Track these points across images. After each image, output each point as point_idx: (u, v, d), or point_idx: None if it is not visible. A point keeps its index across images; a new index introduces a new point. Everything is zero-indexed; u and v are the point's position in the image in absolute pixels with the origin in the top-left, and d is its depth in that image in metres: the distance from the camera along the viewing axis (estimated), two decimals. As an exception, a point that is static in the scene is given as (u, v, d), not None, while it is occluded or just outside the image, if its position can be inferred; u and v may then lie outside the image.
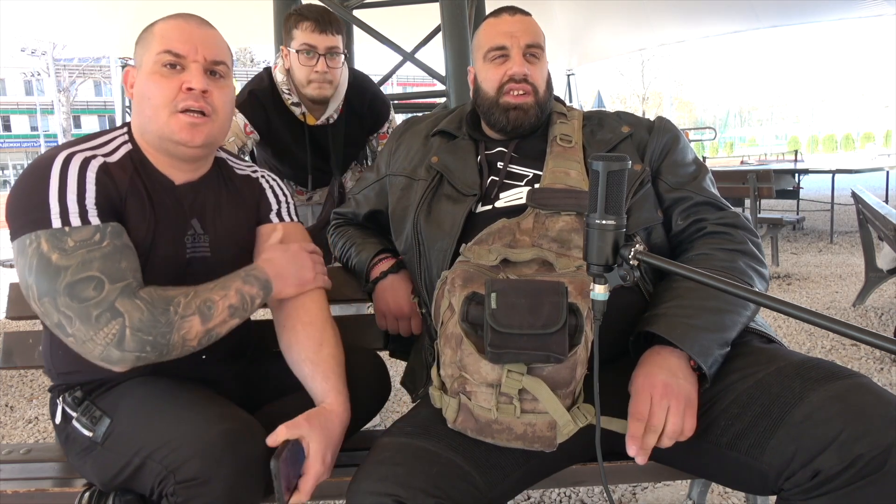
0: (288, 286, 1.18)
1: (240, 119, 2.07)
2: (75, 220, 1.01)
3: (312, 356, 1.16)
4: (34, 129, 39.97)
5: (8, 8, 7.01)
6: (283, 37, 2.08)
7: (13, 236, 1.02)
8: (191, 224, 1.17)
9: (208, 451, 0.94)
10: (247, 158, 1.99)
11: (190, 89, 1.09)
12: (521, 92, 1.30)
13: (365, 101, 2.28)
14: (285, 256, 1.19)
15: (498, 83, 1.31)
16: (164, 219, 1.13)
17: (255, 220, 1.29)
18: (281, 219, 1.31)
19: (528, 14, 1.36)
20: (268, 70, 2.18)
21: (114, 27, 7.85)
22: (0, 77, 40.69)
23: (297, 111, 2.14)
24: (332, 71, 2.03)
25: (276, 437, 1.02)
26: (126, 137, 1.16)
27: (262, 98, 2.11)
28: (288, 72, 2.08)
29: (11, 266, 4.22)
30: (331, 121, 2.20)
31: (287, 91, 2.11)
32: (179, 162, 1.16)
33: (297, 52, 2.00)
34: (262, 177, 1.32)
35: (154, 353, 1.01)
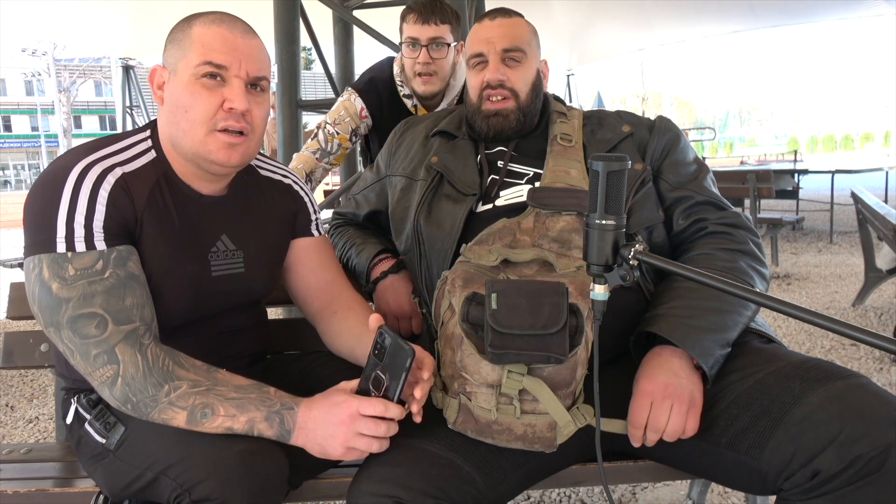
0: (307, 446, 0.98)
1: (357, 103, 2.16)
2: (80, 246, 0.97)
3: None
4: (35, 129, 40.04)
5: (8, 8, 7.01)
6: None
7: (24, 253, 1.01)
8: (220, 239, 1.13)
9: (224, 472, 0.91)
10: (356, 140, 2.22)
11: (231, 109, 1.02)
12: (499, 98, 1.30)
13: None
14: (330, 418, 0.96)
15: (479, 90, 1.32)
16: (187, 234, 1.08)
17: (290, 231, 1.26)
18: (319, 232, 1.29)
19: (512, 16, 1.34)
20: (391, 59, 2.23)
21: (114, 27, 7.86)
22: (0, 77, 40.75)
23: (408, 103, 2.18)
24: (435, 62, 1.99)
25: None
26: (150, 143, 1.09)
27: (380, 86, 2.17)
28: (403, 64, 2.15)
29: (12, 266, 4.21)
30: None
31: (400, 83, 2.15)
32: (209, 175, 1.10)
33: (404, 44, 2.03)
34: (295, 182, 1.28)
35: (134, 413, 0.97)
